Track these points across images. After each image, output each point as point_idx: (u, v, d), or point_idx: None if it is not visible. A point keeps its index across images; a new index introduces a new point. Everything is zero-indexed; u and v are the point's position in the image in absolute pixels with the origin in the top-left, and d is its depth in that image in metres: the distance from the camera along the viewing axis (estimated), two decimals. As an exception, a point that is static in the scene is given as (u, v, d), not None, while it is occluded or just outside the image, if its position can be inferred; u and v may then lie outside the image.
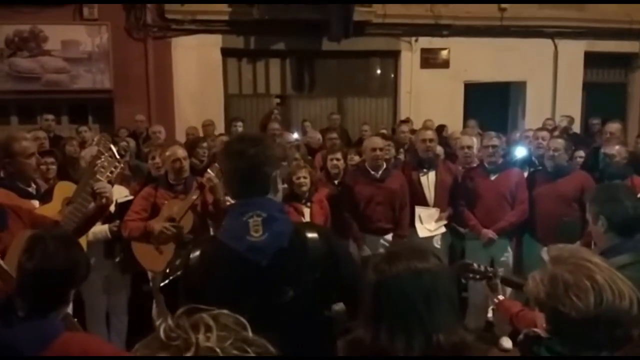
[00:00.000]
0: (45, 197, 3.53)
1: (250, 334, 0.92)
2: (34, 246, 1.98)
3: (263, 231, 1.86)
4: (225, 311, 0.94)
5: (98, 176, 3.08)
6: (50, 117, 7.97)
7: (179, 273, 1.96)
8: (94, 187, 3.05)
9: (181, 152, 4.47)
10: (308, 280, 1.91)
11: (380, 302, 1.48)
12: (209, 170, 4.41)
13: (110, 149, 3.20)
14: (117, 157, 3.22)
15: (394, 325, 1.45)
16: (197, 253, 1.93)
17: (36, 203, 3.45)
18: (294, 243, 1.92)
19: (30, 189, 3.53)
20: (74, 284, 2.02)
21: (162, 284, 2.00)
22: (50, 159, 4.82)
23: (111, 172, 3.17)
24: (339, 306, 2.00)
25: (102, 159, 3.15)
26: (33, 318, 1.88)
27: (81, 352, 1.85)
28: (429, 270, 1.49)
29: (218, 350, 0.86)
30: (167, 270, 2.04)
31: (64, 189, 3.49)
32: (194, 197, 4.32)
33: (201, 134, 7.41)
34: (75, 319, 2.36)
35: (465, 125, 8.74)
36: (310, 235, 1.98)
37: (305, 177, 4.74)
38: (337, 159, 5.29)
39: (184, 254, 2.00)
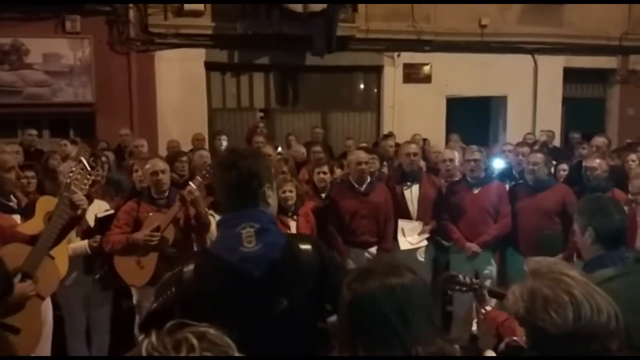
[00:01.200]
0: (26, 211, 3.48)
1: (235, 353, 0.90)
2: None
3: (256, 242, 1.87)
4: (211, 330, 0.92)
5: (73, 188, 3.06)
6: (33, 132, 7.93)
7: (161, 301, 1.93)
8: (71, 199, 3.02)
9: (161, 165, 4.43)
10: (301, 291, 1.92)
11: (354, 320, 1.49)
12: (190, 183, 4.39)
13: (81, 162, 3.18)
14: (89, 169, 3.19)
15: (371, 342, 1.45)
16: (191, 267, 1.92)
17: (17, 218, 3.41)
18: (287, 254, 1.93)
19: (10, 204, 3.48)
20: None
21: (141, 324, 1.96)
22: (31, 173, 4.76)
23: (84, 184, 3.15)
24: (335, 318, 2.00)
25: (75, 171, 3.13)
26: None
27: None
28: (402, 285, 1.48)
29: None
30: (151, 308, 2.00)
31: (46, 204, 3.45)
32: (176, 210, 4.29)
33: (189, 147, 7.38)
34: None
35: (447, 139, 8.82)
36: (302, 246, 2.00)
37: (291, 191, 4.74)
38: (324, 172, 5.30)
39: (170, 278, 1.97)
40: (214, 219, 4.58)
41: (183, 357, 0.86)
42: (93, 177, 3.22)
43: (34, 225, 3.24)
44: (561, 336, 1.53)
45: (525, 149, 5.99)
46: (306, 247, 2.00)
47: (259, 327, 1.83)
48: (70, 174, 3.12)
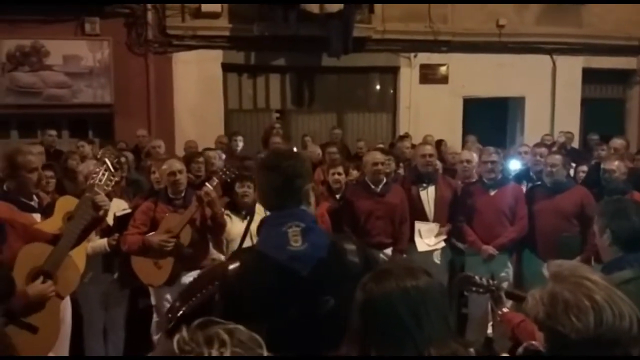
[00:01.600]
0: (47, 211, 3.54)
1: (264, 352, 0.90)
2: None
3: (302, 241, 1.90)
4: (240, 327, 0.92)
5: (96, 189, 3.10)
6: (53, 132, 8.08)
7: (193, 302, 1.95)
8: (94, 200, 3.06)
9: (177, 165, 4.48)
10: (347, 290, 1.94)
11: (367, 320, 1.49)
12: (206, 184, 4.41)
13: (105, 163, 3.22)
14: (113, 170, 3.23)
15: (383, 343, 1.45)
16: (236, 264, 1.94)
17: (38, 217, 3.46)
18: (332, 254, 1.97)
19: (32, 203, 3.54)
20: None
21: (172, 327, 1.97)
22: (50, 173, 4.84)
23: (107, 185, 3.18)
24: None
25: (99, 173, 3.17)
26: None
27: None
28: (417, 288, 1.49)
29: None
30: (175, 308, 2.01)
31: (66, 204, 3.50)
32: (193, 210, 4.32)
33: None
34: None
35: (464, 141, 8.77)
36: (347, 246, 2.05)
37: None
38: (339, 173, 5.30)
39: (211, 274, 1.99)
40: (230, 218, 4.61)
41: (214, 356, 0.85)
42: (116, 179, 3.25)
43: (53, 225, 3.29)
44: (582, 342, 1.51)
45: (543, 150, 5.93)
46: (350, 246, 2.05)
47: (305, 325, 1.85)
48: (94, 175, 3.16)
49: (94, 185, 3.10)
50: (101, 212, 3.10)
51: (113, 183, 3.21)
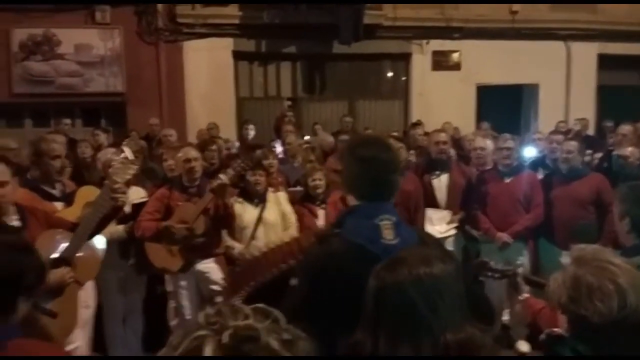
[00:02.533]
0: (67, 200, 3.56)
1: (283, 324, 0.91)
2: None
3: (395, 235, 1.89)
4: (260, 305, 0.93)
5: (115, 178, 3.10)
6: (68, 121, 8.17)
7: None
8: (113, 188, 3.06)
9: (193, 153, 4.50)
10: None
11: (379, 309, 1.48)
12: (220, 175, 4.40)
13: (123, 152, 3.22)
14: (132, 159, 3.23)
15: (396, 331, 1.45)
16: (322, 249, 1.94)
17: (60, 205, 3.48)
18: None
19: (54, 191, 3.56)
20: (18, 291, 1.91)
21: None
22: (65, 161, 4.86)
23: (126, 174, 3.18)
24: None
25: (118, 162, 3.17)
26: None
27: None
28: (431, 275, 1.47)
29: (258, 326, 0.86)
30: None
31: (86, 194, 3.52)
32: (207, 201, 4.33)
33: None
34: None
35: (477, 128, 8.70)
36: (431, 240, 2.08)
37: (320, 179, 4.75)
38: (351, 161, 5.27)
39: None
40: (242, 206, 4.62)
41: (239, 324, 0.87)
42: (135, 167, 3.25)
43: (73, 213, 3.31)
44: (605, 325, 1.51)
45: (559, 137, 5.86)
46: (435, 241, 2.09)
47: None
48: (114, 163, 3.17)
49: (113, 174, 3.10)
50: (119, 203, 3.10)
51: (132, 172, 3.21)
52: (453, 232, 5.05)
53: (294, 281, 1.97)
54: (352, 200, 2.00)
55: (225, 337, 0.84)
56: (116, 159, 3.20)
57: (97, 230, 3.19)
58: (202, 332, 0.86)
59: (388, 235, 1.88)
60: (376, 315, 1.48)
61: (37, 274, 1.99)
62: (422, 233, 2.17)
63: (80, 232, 3.03)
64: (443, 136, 5.29)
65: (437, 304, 1.44)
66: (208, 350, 0.83)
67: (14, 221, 2.87)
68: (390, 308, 1.46)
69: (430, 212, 5.02)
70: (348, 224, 1.95)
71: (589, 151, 5.82)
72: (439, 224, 5.02)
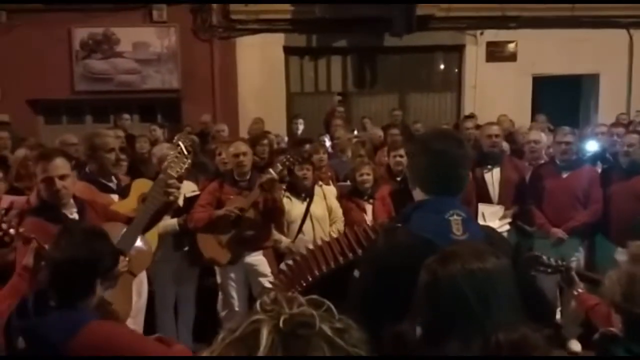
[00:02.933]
0: (123, 192, 3.70)
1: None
2: (60, 238, 2.07)
3: (463, 231, 1.87)
4: (314, 296, 0.97)
5: (169, 172, 3.19)
6: (127, 116, 8.46)
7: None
8: (167, 183, 3.16)
9: (243, 147, 4.57)
10: None
11: (430, 302, 1.47)
12: (270, 170, 4.46)
13: (179, 146, 3.31)
14: (186, 154, 3.32)
15: (446, 326, 1.43)
16: (389, 242, 1.94)
17: (115, 197, 3.62)
18: (489, 245, 1.98)
19: (110, 184, 3.71)
20: (97, 274, 2.07)
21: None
22: (123, 156, 5.08)
23: (180, 168, 3.27)
24: None
25: (172, 156, 3.26)
26: (63, 308, 1.98)
27: (105, 340, 1.93)
28: (483, 270, 1.45)
29: (313, 312, 0.90)
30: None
31: (141, 186, 3.65)
32: (256, 195, 4.39)
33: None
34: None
35: (533, 121, 8.45)
36: (498, 237, 2.10)
37: (368, 174, 4.75)
38: (400, 156, 5.23)
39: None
40: (290, 200, 4.68)
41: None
42: (189, 162, 3.34)
43: (128, 206, 3.45)
44: None
45: (620, 130, 5.63)
46: (500, 237, 2.11)
47: None
48: (168, 158, 3.27)
49: (167, 168, 3.20)
50: (171, 198, 3.19)
51: (186, 166, 3.30)
52: (506, 227, 4.92)
53: (356, 273, 1.97)
54: (418, 195, 1.97)
55: (282, 322, 0.88)
56: (170, 154, 3.31)
57: (151, 224, 3.31)
58: (259, 317, 0.90)
59: (457, 230, 1.85)
60: (426, 308, 1.47)
61: (113, 259, 2.14)
62: (489, 230, 2.12)
63: (135, 225, 3.14)
64: (495, 129, 5.17)
65: (490, 300, 1.42)
66: (265, 333, 0.87)
67: (74, 214, 3.00)
68: (441, 302, 1.45)
69: (482, 207, 4.92)
70: (415, 218, 1.92)
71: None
72: (492, 220, 4.90)
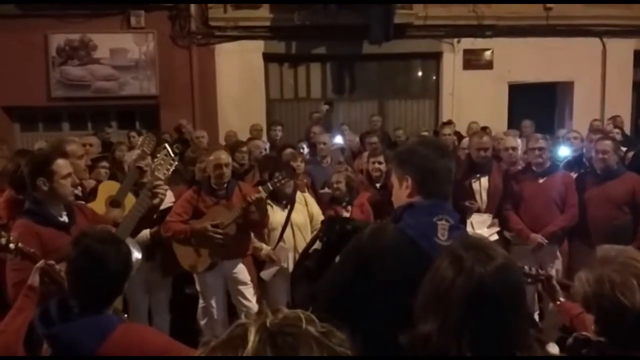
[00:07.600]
0: (90, 196, 3.66)
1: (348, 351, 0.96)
2: (80, 246, 2.06)
3: (448, 237, 1.90)
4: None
5: (156, 174, 3.17)
6: (110, 130, 8.54)
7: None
8: (154, 184, 3.13)
9: (224, 158, 4.45)
10: None
11: (471, 306, 1.45)
12: (260, 188, 4.37)
13: (165, 148, 3.29)
14: (172, 156, 3.30)
15: (491, 336, 1.43)
16: (376, 236, 1.96)
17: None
18: None
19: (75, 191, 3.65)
20: (125, 281, 2.11)
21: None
22: (103, 164, 5.10)
23: (167, 170, 3.26)
24: None
25: (159, 159, 3.25)
26: (88, 313, 1.97)
27: (139, 341, 1.95)
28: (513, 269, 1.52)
29: (299, 314, 0.93)
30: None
31: (108, 188, 3.61)
32: (240, 211, 4.31)
33: (247, 137, 7.50)
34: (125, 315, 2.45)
35: (509, 128, 8.57)
36: None
37: (339, 182, 4.78)
38: (379, 162, 5.27)
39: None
40: (271, 208, 4.65)
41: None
42: (175, 164, 3.32)
43: (95, 208, 3.41)
44: (630, 319, 1.51)
45: (600, 135, 5.73)
46: None
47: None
48: (155, 160, 3.25)
49: (155, 170, 3.18)
50: (156, 201, 3.17)
51: (172, 168, 3.29)
52: (495, 237, 4.89)
53: (337, 259, 2.02)
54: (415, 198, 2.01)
55: (269, 322, 0.90)
56: (158, 156, 3.30)
57: (138, 228, 3.29)
58: (246, 321, 0.92)
59: (442, 235, 1.89)
60: (463, 312, 1.44)
61: (132, 262, 2.17)
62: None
63: (123, 229, 3.11)
64: (486, 142, 5.07)
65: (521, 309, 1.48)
66: (252, 331, 0.88)
67: (63, 217, 2.97)
68: (485, 306, 1.44)
69: (471, 216, 4.94)
70: (406, 218, 1.96)
71: (623, 149, 5.68)
72: (480, 228, 4.90)
